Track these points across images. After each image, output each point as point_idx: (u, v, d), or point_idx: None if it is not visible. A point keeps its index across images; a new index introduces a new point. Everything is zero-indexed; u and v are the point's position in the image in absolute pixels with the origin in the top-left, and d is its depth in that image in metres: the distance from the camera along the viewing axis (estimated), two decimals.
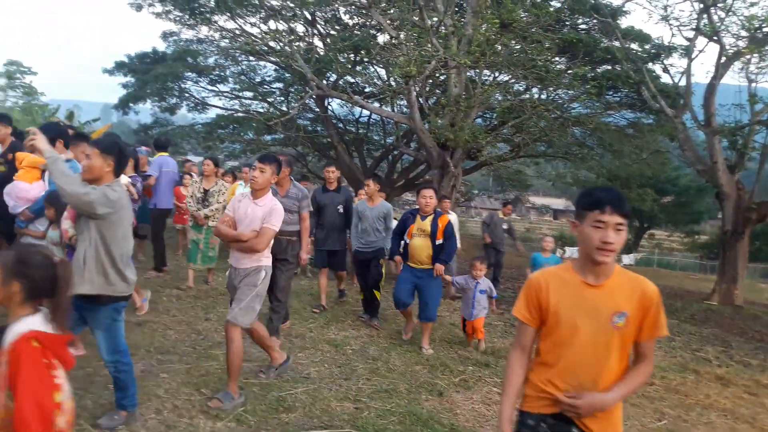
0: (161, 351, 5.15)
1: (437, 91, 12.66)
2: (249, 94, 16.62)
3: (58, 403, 2.03)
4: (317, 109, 14.88)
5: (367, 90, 13.99)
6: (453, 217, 9.63)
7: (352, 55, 13.60)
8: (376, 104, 13.36)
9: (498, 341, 6.90)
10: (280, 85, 16.45)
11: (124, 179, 6.06)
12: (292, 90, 15.77)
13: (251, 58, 15.23)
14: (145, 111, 18.34)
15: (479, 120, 12.70)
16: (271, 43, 12.83)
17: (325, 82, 13.05)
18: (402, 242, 6.13)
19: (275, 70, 15.88)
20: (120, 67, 17.45)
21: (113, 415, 3.69)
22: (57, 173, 3.23)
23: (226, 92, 17.02)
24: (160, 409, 4.00)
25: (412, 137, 14.06)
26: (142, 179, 6.64)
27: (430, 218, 5.97)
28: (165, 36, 17.01)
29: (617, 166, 13.54)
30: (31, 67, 34.33)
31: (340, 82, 13.48)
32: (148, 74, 16.29)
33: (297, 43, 12.71)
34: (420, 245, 5.96)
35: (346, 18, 14.29)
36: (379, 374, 5.26)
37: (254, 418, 4.08)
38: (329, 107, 15.17)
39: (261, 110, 15.90)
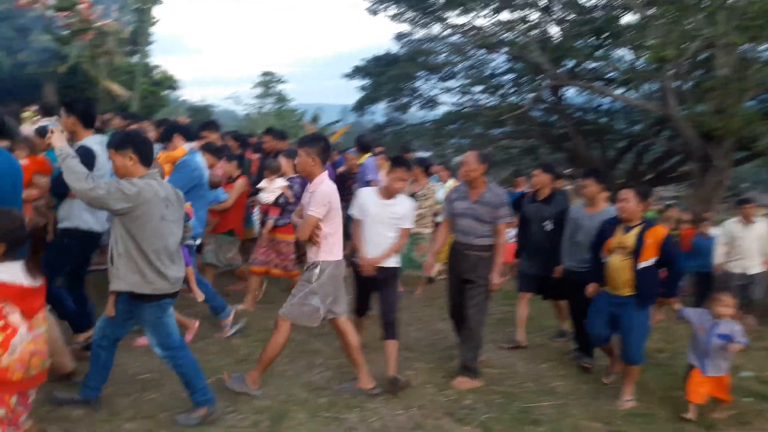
0: (403, 347, 5.21)
1: (697, 72, 11.02)
2: (478, 88, 16.57)
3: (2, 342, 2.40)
4: (551, 99, 14.14)
5: (609, 75, 12.87)
6: (763, 225, 7.43)
7: (593, 38, 12.59)
8: (620, 90, 12.20)
9: None
10: (511, 76, 16.08)
11: (281, 182, 5.98)
12: (524, 80, 15.28)
13: (481, 51, 15.13)
14: (380, 111, 19.48)
15: (753, 103, 10.73)
16: (503, 35, 12.55)
17: (561, 70, 12.32)
18: (599, 261, 4.67)
19: (506, 61, 15.54)
20: (358, 71, 18.83)
21: (190, 414, 3.52)
22: (66, 170, 3.14)
23: (456, 88, 17.22)
24: (408, 407, 4.03)
25: (664, 125, 12.50)
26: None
27: (635, 230, 4.46)
28: (398, 38, 17.82)
29: None
30: (282, 76, 38.92)
31: (578, 69, 12.60)
32: (383, 76, 17.25)
33: (531, 32, 12.21)
34: (618, 266, 4.48)
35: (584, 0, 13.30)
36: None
37: (499, 426, 3.91)
38: (565, 96, 14.29)
39: (491, 104, 15.73)
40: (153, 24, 17.85)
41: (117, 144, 3.30)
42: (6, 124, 3.91)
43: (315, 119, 22.98)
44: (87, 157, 3.45)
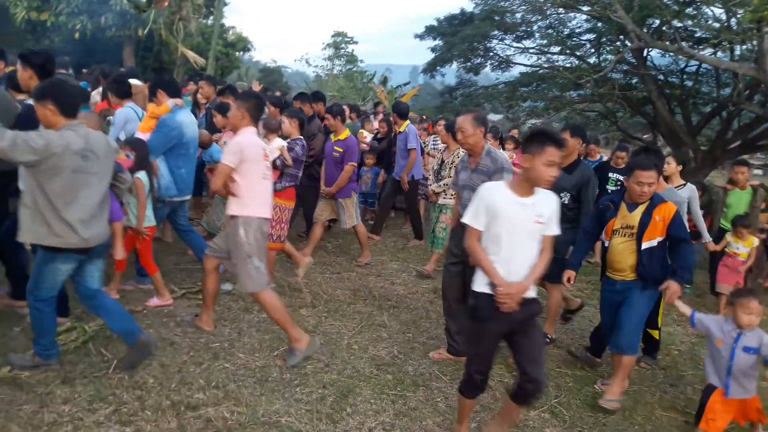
0: None
1: None
2: (556, 48, 15.78)
3: None
4: (633, 61, 13.24)
5: (697, 34, 11.89)
6: None
7: None
8: (708, 51, 11.26)
9: None
10: (590, 36, 15.18)
11: (279, 142, 5.44)
12: (604, 40, 14.40)
13: (561, 10, 14.32)
14: (451, 73, 19.00)
15: None
16: None
17: (645, 30, 11.46)
18: (586, 244, 4.31)
19: (586, 20, 14.64)
20: (429, 31, 18.35)
21: (25, 356, 3.54)
22: None
23: (532, 48, 16.48)
24: None
25: (756, 89, 11.49)
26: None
27: (641, 208, 3.97)
28: None
29: None
30: (353, 37, 38.54)
31: (665, 28, 11.69)
32: (456, 36, 16.74)
33: None
34: (622, 248, 4.01)
35: None
36: None
37: (569, 412, 3.82)
38: (649, 57, 13.33)
39: (568, 65, 14.97)
40: None
41: (37, 95, 3.28)
42: None
43: (384, 81, 22.70)
44: (29, 116, 3.36)
